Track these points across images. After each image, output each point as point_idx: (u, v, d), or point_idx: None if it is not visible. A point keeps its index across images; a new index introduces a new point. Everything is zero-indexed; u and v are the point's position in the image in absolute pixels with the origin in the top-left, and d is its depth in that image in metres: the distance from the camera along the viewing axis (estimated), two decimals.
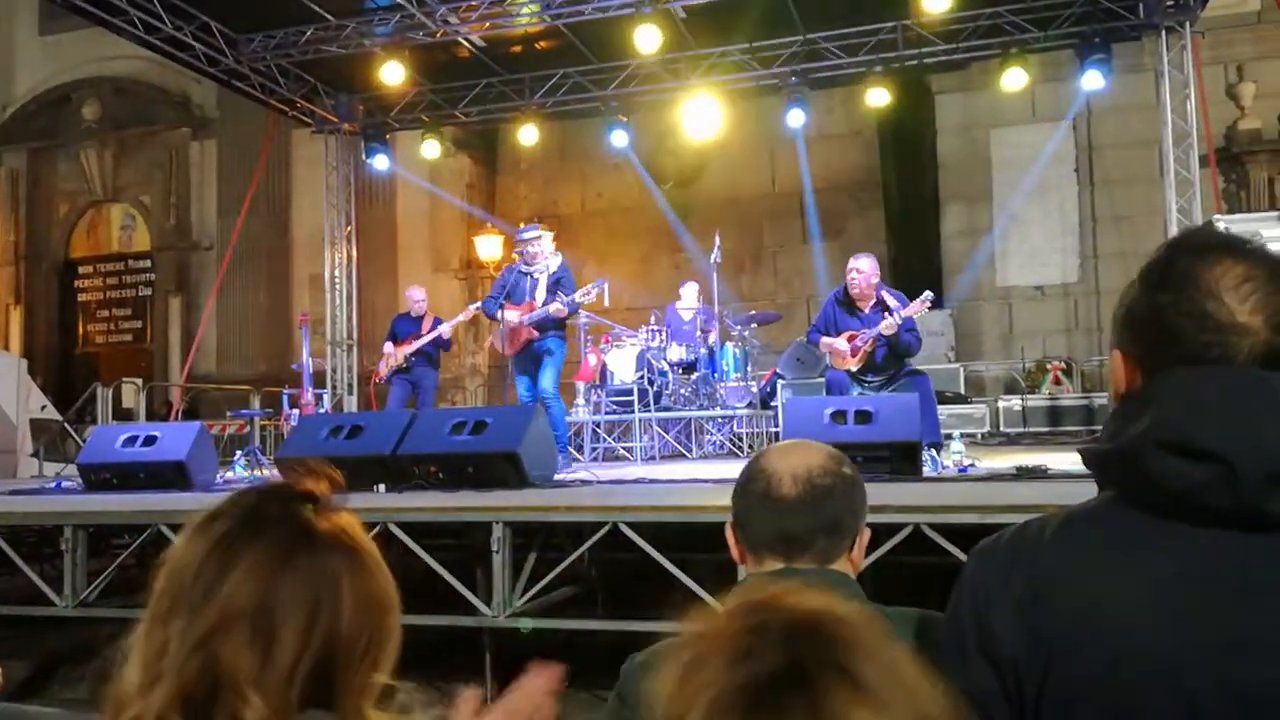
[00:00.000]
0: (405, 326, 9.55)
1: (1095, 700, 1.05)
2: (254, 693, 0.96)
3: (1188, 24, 10.19)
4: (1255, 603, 1.03)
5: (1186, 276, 1.14)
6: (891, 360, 6.68)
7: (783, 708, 0.71)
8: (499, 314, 7.56)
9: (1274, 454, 1.03)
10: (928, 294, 6.64)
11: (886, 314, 6.53)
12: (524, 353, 7.54)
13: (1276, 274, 1.12)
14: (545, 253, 7.68)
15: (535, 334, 7.45)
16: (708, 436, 10.38)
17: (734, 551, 1.67)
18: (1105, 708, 1.05)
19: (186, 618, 0.99)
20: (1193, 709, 1.02)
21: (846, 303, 6.78)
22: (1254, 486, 1.02)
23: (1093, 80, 10.45)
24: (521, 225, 14.55)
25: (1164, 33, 10.27)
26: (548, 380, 7.51)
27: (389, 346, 9.38)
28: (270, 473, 7.54)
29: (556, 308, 7.40)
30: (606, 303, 8.78)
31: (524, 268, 7.66)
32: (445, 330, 9.27)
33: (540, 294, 7.52)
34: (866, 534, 1.66)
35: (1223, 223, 5.85)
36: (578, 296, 7.56)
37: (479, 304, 9.36)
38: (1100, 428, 1.22)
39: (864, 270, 6.68)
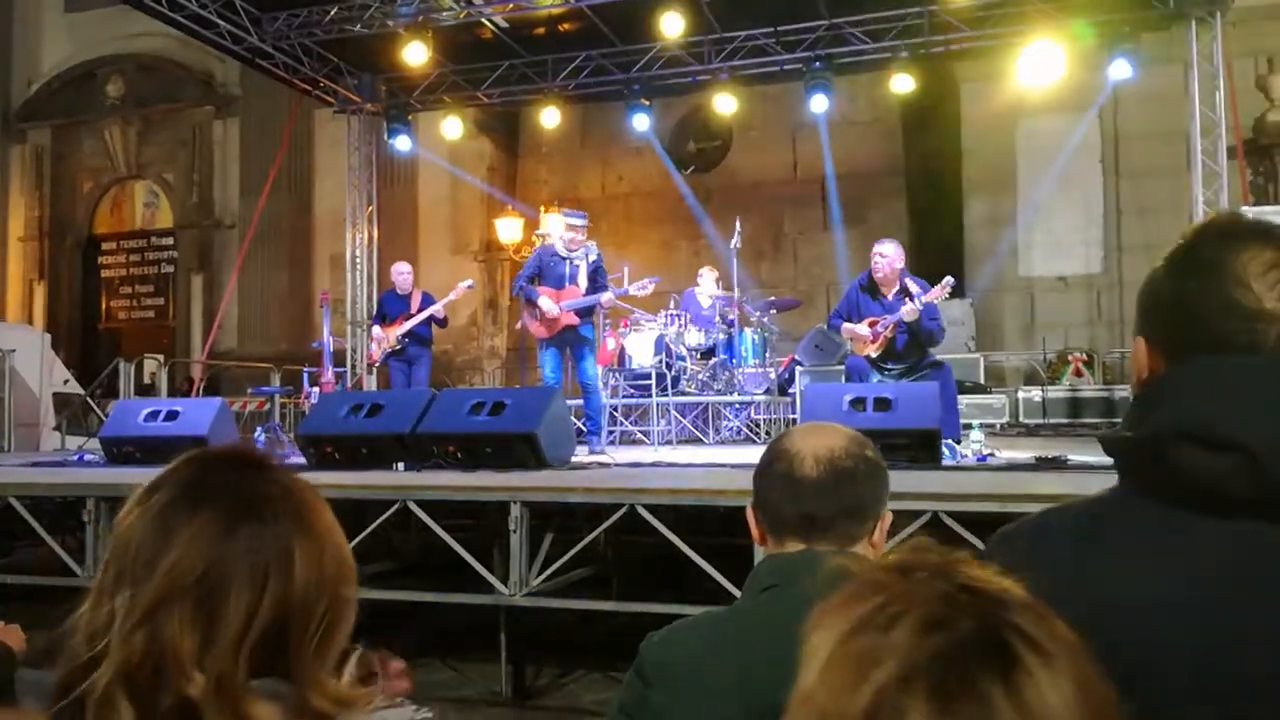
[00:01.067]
0: (395, 305, 9.23)
1: (1120, 696, 1.04)
2: (197, 667, 0.93)
3: (1219, 14, 10.07)
4: (1276, 597, 1.01)
5: (1213, 262, 1.12)
6: (913, 348, 6.65)
7: (977, 677, 0.68)
8: (536, 297, 7.48)
9: None
10: (948, 279, 6.61)
11: (908, 300, 6.50)
12: (559, 336, 7.55)
13: None
14: (585, 239, 7.69)
15: (576, 320, 7.47)
16: (725, 422, 10.38)
17: (754, 532, 1.67)
18: (1126, 702, 1.04)
19: (130, 591, 0.96)
20: (1219, 704, 1.00)
21: (870, 288, 6.76)
22: (1277, 477, 1.01)
23: (1120, 70, 10.34)
24: (543, 209, 14.65)
25: (1194, 23, 10.15)
26: (591, 369, 7.65)
27: (377, 329, 9.15)
28: (291, 450, 7.58)
29: (608, 298, 7.45)
30: (626, 286, 8.79)
31: (564, 252, 7.60)
32: (439, 310, 9.04)
33: (583, 280, 7.51)
34: (888, 518, 1.66)
35: (1250, 214, 5.78)
36: (632, 289, 7.66)
37: (469, 283, 9.34)
38: (1120, 421, 1.21)
39: (888, 255, 6.66)
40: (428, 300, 9.15)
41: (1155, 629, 1.04)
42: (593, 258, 7.62)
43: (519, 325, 8.63)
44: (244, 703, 0.94)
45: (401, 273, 9.30)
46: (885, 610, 0.72)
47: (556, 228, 7.76)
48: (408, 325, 8.94)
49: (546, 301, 7.42)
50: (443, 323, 9.30)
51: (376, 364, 9.31)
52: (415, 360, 9.06)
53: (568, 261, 7.58)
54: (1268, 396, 1.04)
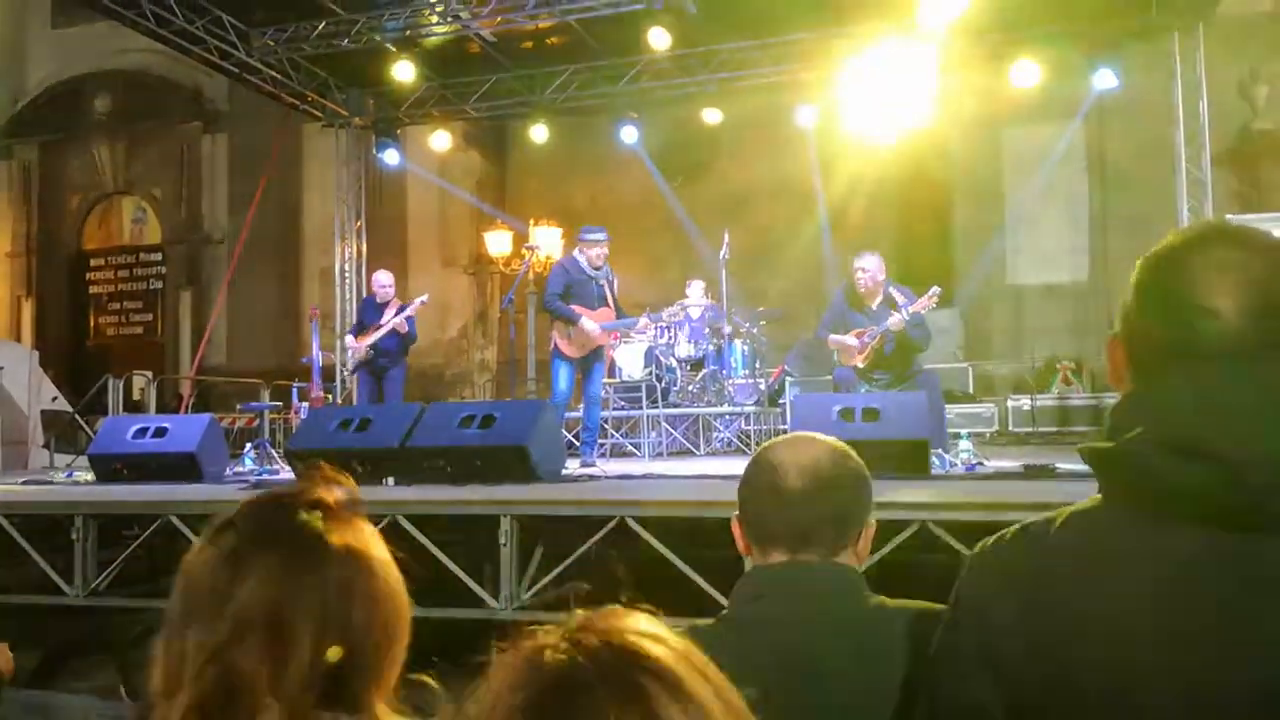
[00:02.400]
0: (370, 314, 8.97)
1: (1098, 707, 1.04)
2: (270, 698, 0.99)
3: (1201, 24, 10.15)
4: (1256, 606, 1.02)
5: (1173, 262, 1.13)
6: (900, 357, 6.67)
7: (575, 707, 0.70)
8: (579, 318, 7.28)
9: (1274, 453, 1.02)
10: (935, 289, 6.63)
11: (894, 310, 6.53)
12: (588, 355, 7.48)
13: (1271, 263, 1.10)
14: (603, 255, 7.55)
15: (608, 340, 7.47)
16: (715, 433, 10.38)
17: (740, 544, 1.68)
18: (1108, 715, 1.04)
19: (202, 628, 1.02)
20: (1197, 714, 1.01)
21: (854, 299, 6.78)
22: (1254, 486, 1.01)
23: (1105, 80, 10.42)
24: (532, 222, 14.66)
25: (1177, 32, 10.24)
26: (598, 384, 7.67)
27: (350, 339, 8.90)
28: (279, 466, 7.56)
29: (644, 323, 7.54)
30: (660, 313, 8.80)
31: (591, 270, 7.47)
32: (401, 325, 8.65)
33: (610, 300, 7.49)
34: (872, 527, 1.67)
35: (1234, 223, 5.81)
36: (665, 315, 7.92)
37: (422, 298, 8.95)
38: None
39: (869, 269, 6.69)
40: (401, 312, 8.86)
41: (1137, 638, 1.04)
42: (612, 277, 7.64)
43: (548, 340, 8.57)
44: None
45: (382, 284, 9.02)
46: (503, 666, 0.77)
47: (589, 247, 7.47)
48: (374, 337, 8.68)
49: (590, 323, 7.29)
50: (408, 337, 8.87)
51: (350, 373, 9.07)
52: (385, 374, 8.76)
53: (593, 281, 7.47)
54: (1245, 407, 1.05)
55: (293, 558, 1.06)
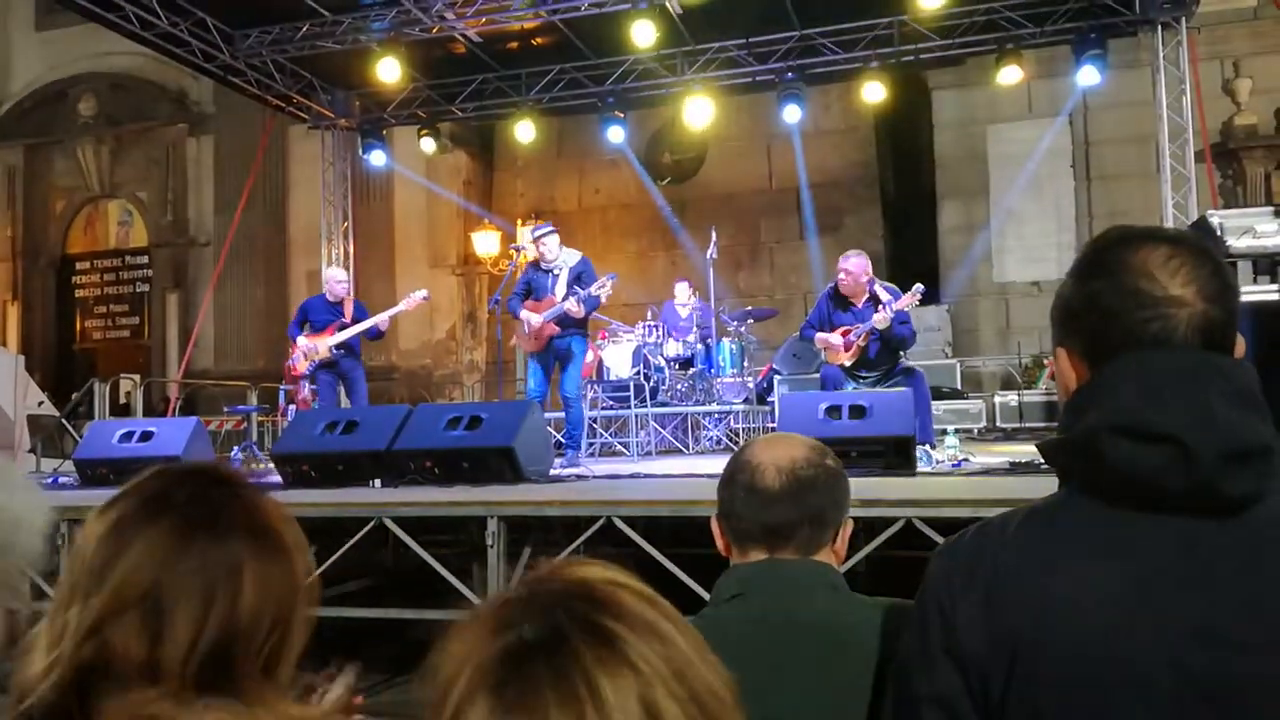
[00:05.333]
0: (323, 314, 8.44)
1: (1060, 696, 1.05)
2: (145, 678, 0.94)
3: (1183, 20, 10.21)
4: (1214, 592, 1.04)
5: (1116, 262, 1.16)
6: (886, 354, 6.70)
7: (534, 673, 0.69)
8: (520, 312, 7.53)
9: (1227, 433, 1.04)
10: (918, 286, 6.66)
11: (879, 308, 6.55)
12: (546, 349, 7.55)
13: (1201, 252, 1.14)
14: (552, 249, 7.66)
15: (556, 329, 7.46)
16: (704, 432, 10.40)
17: (719, 543, 1.69)
18: (1070, 703, 1.05)
19: (82, 602, 0.97)
20: (1156, 702, 1.02)
21: (839, 298, 6.80)
22: (1208, 466, 1.03)
23: (1089, 76, 10.46)
24: (519, 222, 14.67)
25: (1160, 28, 10.29)
26: (571, 383, 7.60)
27: (303, 340, 8.32)
28: (267, 468, 7.54)
29: (571, 305, 7.41)
30: (586, 291, 8.75)
31: (545, 265, 7.64)
32: (383, 322, 8.36)
33: (560, 289, 7.52)
34: (849, 526, 1.68)
35: (1218, 218, 5.85)
36: (593, 290, 7.48)
37: (423, 293, 8.71)
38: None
39: (852, 271, 6.71)
40: (361, 310, 8.48)
41: (1097, 627, 1.05)
42: (573, 263, 7.63)
43: (511, 342, 8.57)
44: (189, 717, 0.94)
45: (339, 280, 8.59)
46: (469, 624, 0.75)
47: (538, 244, 7.73)
48: (343, 335, 8.24)
49: (527, 313, 7.49)
50: (379, 336, 8.65)
51: (303, 376, 8.50)
52: (350, 375, 8.38)
53: (548, 274, 7.62)
54: (1193, 388, 1.07)
55: (180, 530, 1.00)
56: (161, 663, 0.95)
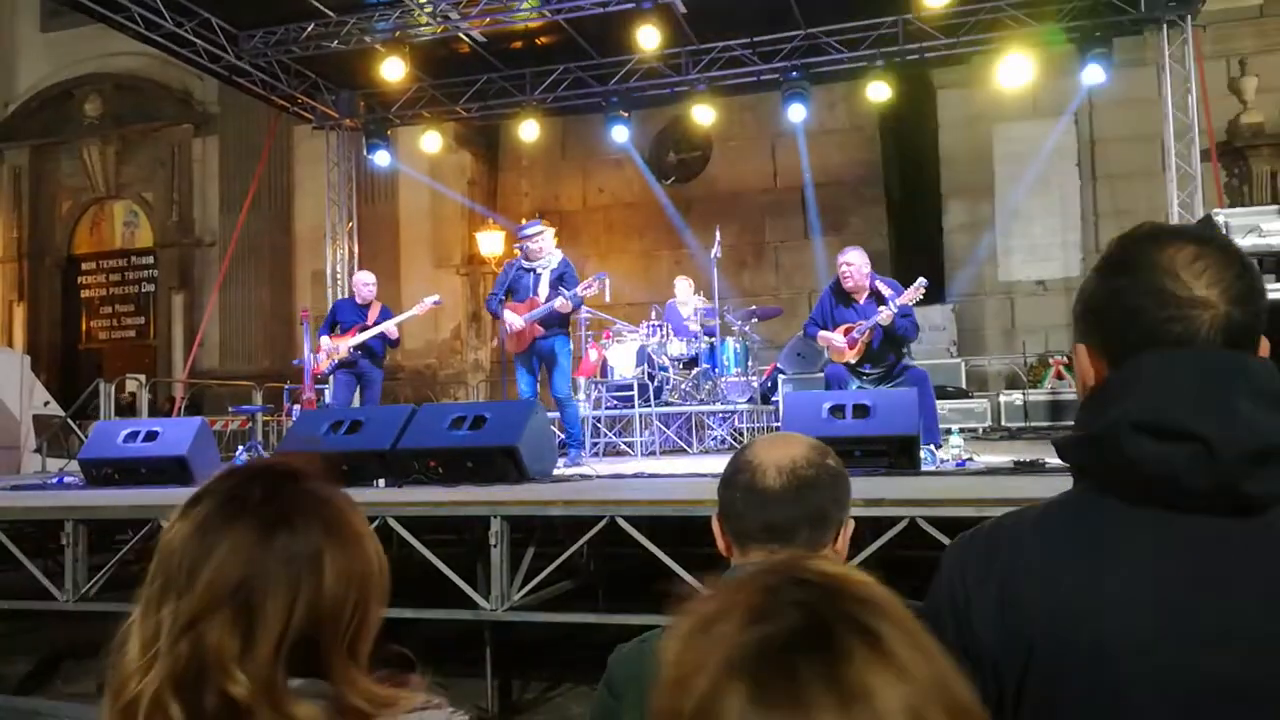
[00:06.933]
0: (350, 315, 8.64)
1: (1076, 694, 1.04)
2: (240, 669, 1.00)
3: (1189, 18, 10.18)
4: (1233, 592, 1.02)
5: (1141, 260, 1.14)
6: (889, 349, 6.68)
7: (798, 668, 0.65)
8: (502, 312, 7.51)
9: (1251, 432, 1.02)
10: (922, 280, 6.64)
11: (882, 304, 6.54)
12: (529, 350, 7.54)
13: (1227, 252, 1.13)
14: (547, 248, 7.66)
15: (540, 330, 7.45)
16: (709, 431, 10.38)
17: (720, 543, 1.68)
18: (1086, 701, 1.04)
19: (175, 601, 1.03)
20: (1175, 702, 1.01)
21: (841, 295, 6.79)
22: (1232, 465, 1.01)
23: (1094, 75, 10.44)
24: (523, 221, 14.64)
25: (1165, 27, 10.26)
26: (562, 383, 7.57)
27: (325, 340, 8.50)
28: None
29: (560, 303, 7.37)
30: (608, 298, 8.75)
31: (526, 263, 7.62)
32: (392, 329, 8.50)
33: (544, 290, 7.49)
34: (850, 525, 1.67)
35: (1223, 216, 5.85)
36: (579, 290, 7.47)
37: (435, 298, 8.93)
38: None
39: (854, 263, 6.69)
40: (386, 314, 8.67)
41: (1115, 626, 1.04)
42: (555, 264, 7.60)
43: (495, 341, 8.59)
44: (286, 702, 1.01)
45: (366, 283, 8.78)
46: (718, 609, 0.71)
47: (525, 243, 7.70)
48: (362, 336, 8.41)
49: (509, 314, 7.47)
50: (395, 342, 8.77)
51: (324, 374, 8.59)
52: (366, 376, 8.52)
53: (531, 273, 7.59)
54: (1218, 387, 1.05)
55: (262, 527, 1.06)
56: (254, 655, 1.01)
